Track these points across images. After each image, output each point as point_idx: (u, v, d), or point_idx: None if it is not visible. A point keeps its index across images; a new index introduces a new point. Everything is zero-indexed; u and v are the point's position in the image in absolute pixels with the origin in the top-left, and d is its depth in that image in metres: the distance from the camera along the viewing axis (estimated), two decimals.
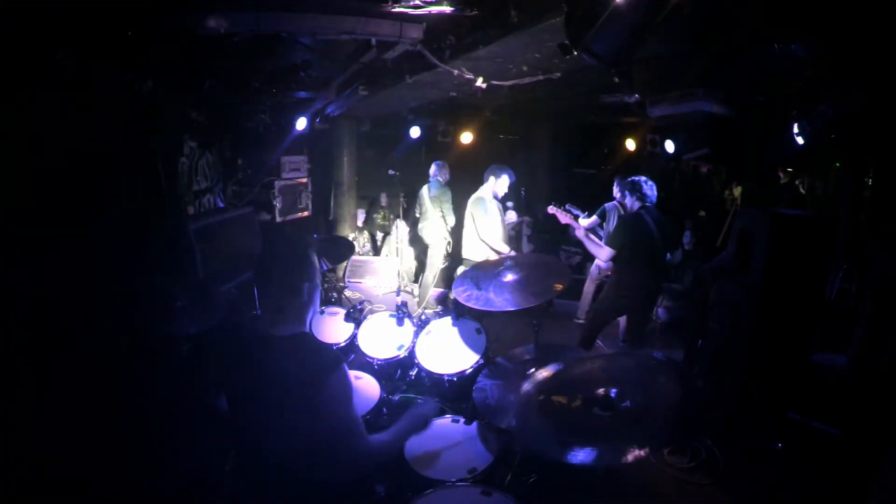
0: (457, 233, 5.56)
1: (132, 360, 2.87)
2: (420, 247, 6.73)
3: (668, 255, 4.14)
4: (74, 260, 2.90)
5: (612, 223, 5.34)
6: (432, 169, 6.09)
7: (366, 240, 7.45)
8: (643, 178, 4.01)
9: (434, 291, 6.15)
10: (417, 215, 6.31)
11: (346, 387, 1.54)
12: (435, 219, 6.03)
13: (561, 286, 2.73)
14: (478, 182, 5.00)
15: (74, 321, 2.81)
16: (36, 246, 2.70)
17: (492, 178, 4.90)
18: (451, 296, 3.07)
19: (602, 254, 3.94)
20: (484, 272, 2.85)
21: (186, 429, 2.51)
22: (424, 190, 6.14)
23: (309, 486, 1.56)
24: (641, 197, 3.96)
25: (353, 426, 1.57)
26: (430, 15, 2.82)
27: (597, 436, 1.59)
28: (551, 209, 4.38)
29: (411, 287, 6.68)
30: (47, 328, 2.66)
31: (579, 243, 4.67)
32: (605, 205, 5.48)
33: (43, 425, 2.48)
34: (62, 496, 2.38)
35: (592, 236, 4.06)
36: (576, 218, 4.41)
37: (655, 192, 3.99)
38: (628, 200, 4.04)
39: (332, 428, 1.52)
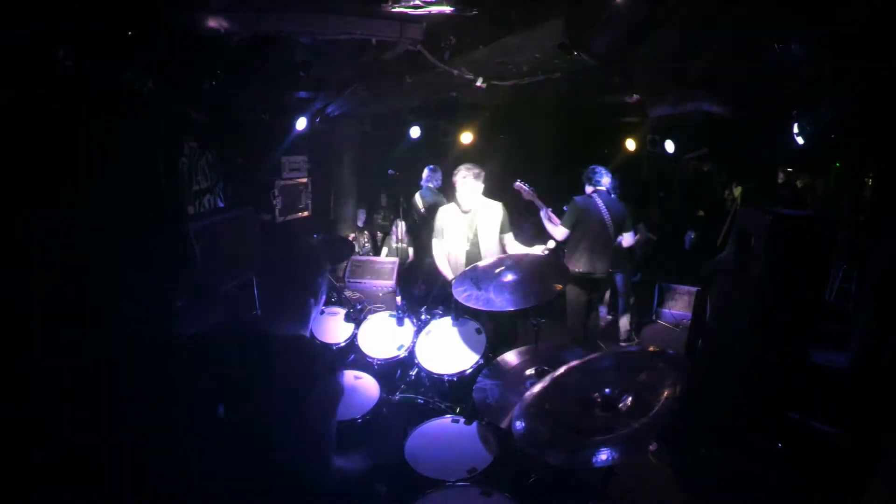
0: None
1: (132, 360, 2.87)
2: (421, 246, 6.71)
3: (620, 238, 4.49)
4: (73, 260, 2.89)
5: None
6: (425, 173, 5.88)
7: (366, 240, 7.45)
8: (597, 167, 4.44)
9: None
10: (416, 219, 6.28)
11: (334, 399, 1.49)
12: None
13: (560, 286, 2.73)
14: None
15: (74, 321, 2.80)
16: (33, 246, 2.70)
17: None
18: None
19: (557, 233, 4.28)
20: (484, 273, 2.85)
21: (186, 430, 2.50)
22: (417, 198, 6.02)
23: (318, 480, 1.55)
24: (594, 183, 4.39)
25: (326, 442, 1.50)
26: (430, 15, 2.82)
27: (597, 436, 1.59)
28: (518, 185, 4.48)
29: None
30: (47, 328, 2.66)
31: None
32: None
33: (45, 425, 2.48)
34: (64, 495, 2.37)
35: (552, 214, 4.41)
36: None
37: (609, 179, 4.43)
38: (586, 187, 4.45)
39: (306, 437, 1.46)
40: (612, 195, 4.45)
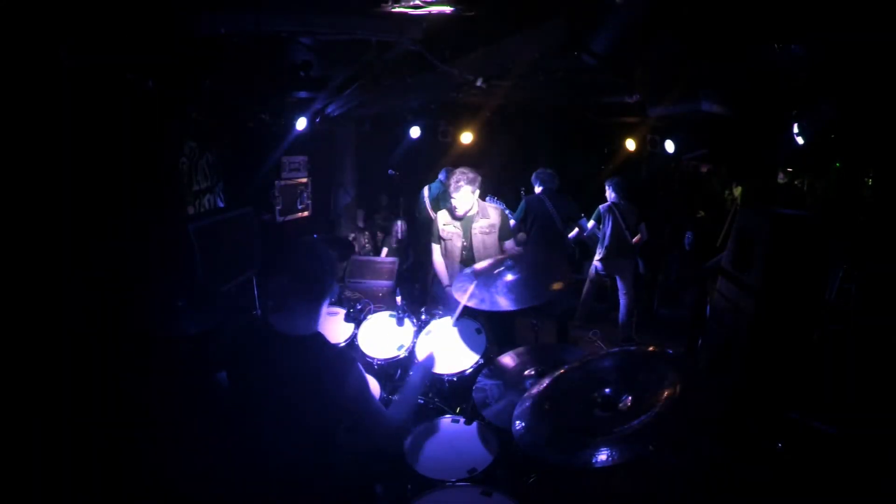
0: None
1: (132, 360, 2.87)
2: (421, 246, 6.72)
3: (573, 234, 5.30)
4: (73, 260, 2.89)
5: (607, 225, 5.38)
6: (441, 174, 6.07)
7: (366, 240, 7.45)
8: (544, 170, 5.16)
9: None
10: (417, 215, 6.30)
11: (364, 379, 1.63)
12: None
13: (559, 285, 2.72)
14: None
15: (73, 321, 2.81)
16: (33, 246, 2.70)
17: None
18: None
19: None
20: (484, 274, 2.84)
21: (189, 428, 2.51)
22: (425, 191, 6.13)
23: (320, 480, 1.61)
24: (540, 183, 5.09)
25: (376, 408, 1.67)
26: (430, 15, 2.81)
27: (597, 436, 1.59)
28: (488, 200, 5.01)
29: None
30: (46, 328, 2.66)
31: (577, 242, 5.55)
32: (600, 207, 5.51)
33: (45, 426, 2.48)
34: (64, 496, 2.38)
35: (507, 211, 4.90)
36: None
37: (554, 180, 5.12)
38: (535, 188, 5.16)
39: (358, 414, 1.62)
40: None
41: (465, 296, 2.64)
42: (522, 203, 5.14)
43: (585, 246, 6.05)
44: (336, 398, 1.53)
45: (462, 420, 2.45)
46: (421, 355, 2.95)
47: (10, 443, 2.34)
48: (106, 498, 2.45)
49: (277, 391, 1.54)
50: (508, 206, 5.35)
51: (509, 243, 3.69)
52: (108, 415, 2.68)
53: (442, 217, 3.75)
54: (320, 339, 1.63)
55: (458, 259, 3.66)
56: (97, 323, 2.87)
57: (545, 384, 1.94)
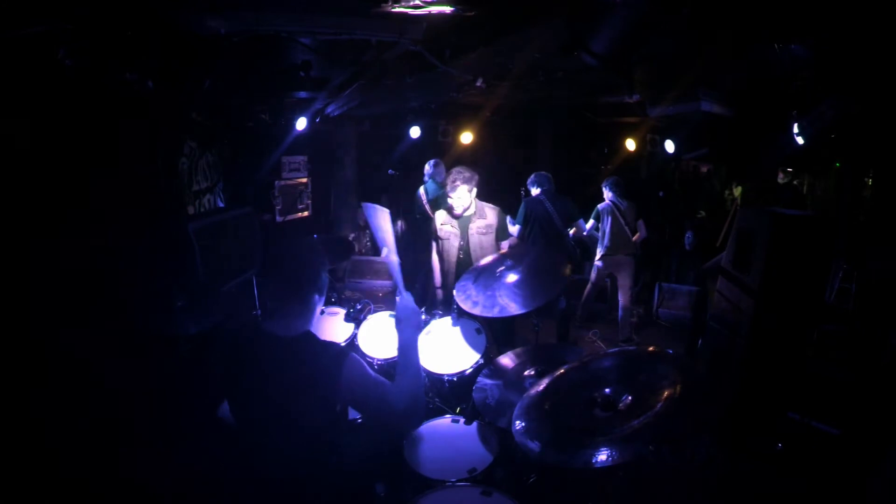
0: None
1: (132, 360, 2.87)
2: (421, 246, 6.71)
3: (571, 234, 5.16)
4: (73, 260, 2.89)
5: (606, 224, 5.38)
6: (427, 168, 5.92)
7: (366, 240, 7.45)
8: (539, 173, 5.11)
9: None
10: (417, 216, 6.28)
11: (361, 364, 1.59)
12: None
13: (569, 270, 2.75)
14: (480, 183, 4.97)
15: (73, 321, 2.80)
16: (34, 245, 2.70)
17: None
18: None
19: (513, 230, 4.82)
20: (485, 276, 2.84)
21: (187, 429, 2.51)
22: (421, 192, 6.08)
23: (320, 481, 1.60)
24: (538, 186, 5.05)
25: (382, 387, 1.60)
26: (430, 15, 2.81)
27: (597, 436, 1.59)
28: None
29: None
30: (46, 328, 2.66)
31: (577, 242, 5.43)
32: (599, 206, 5.51)
33: (42, 426, 2.48)
34: (62, 496, 2.38)
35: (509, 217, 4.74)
36: None
37: (550, 183, 5.04)
38: (533, 190, 5.10)
39: (364, 398, 1.58)
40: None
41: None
42: (522, 206, 5.07)
43: (586, 246, 6.05)
44: (333, 392, 1.53)
45: (462, 420, 2.45)
46: (421, 356, 2.95)
47: (8, 442, 2.34)
48: (102, 498, 2.44)
49: (275, 392, 1.54)
50: (508, 207, 5.34)
51: (506, 244, 3.70)
52: (105, 415, 2.68)
53: (440, 217, 3.76)
54: (310, 337, 1.63)
55: (454, 260, 3.67)
56: (96, 323, 2.87)
57: (545, 384, 1.94)
